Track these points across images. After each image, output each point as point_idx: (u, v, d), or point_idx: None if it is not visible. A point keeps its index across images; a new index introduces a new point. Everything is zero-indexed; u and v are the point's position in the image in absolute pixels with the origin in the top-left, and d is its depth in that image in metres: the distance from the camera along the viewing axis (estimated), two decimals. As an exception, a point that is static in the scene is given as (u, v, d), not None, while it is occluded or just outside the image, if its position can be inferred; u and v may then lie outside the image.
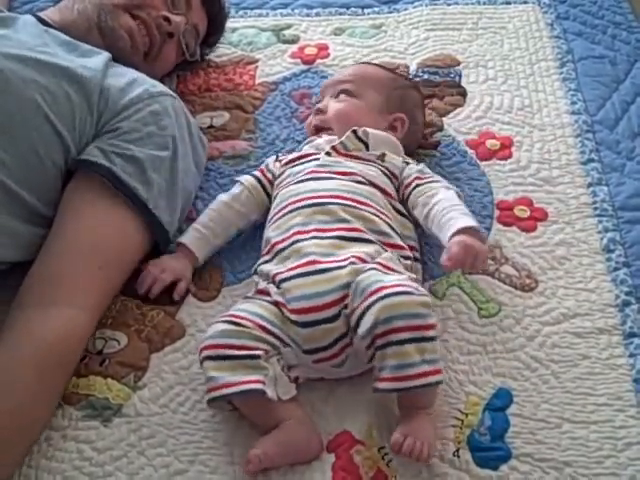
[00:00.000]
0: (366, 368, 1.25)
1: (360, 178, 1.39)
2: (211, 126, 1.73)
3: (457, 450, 1.20)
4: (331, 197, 1.35)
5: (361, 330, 1.18)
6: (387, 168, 1.44)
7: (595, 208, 1.54)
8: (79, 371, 1.28)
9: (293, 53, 1.92)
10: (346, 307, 1.22)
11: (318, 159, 1.45)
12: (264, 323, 1.24)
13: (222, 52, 1.93)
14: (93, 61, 1.46)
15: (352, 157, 1.45)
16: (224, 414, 1.25)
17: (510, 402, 1.25)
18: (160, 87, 1.50)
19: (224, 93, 1.81)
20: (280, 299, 1.26)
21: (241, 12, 2.06)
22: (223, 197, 1.49)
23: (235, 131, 1.72)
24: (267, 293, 1.28)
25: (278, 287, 1.27)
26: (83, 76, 1.40)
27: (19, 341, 1.21)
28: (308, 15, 2.04)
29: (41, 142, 1.33)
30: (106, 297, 1.34)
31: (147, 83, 1.48)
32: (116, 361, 1.30)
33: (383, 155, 1.45)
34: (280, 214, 1.37)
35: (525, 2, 2.05)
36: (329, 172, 1.41)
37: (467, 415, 1.24)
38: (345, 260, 1.26)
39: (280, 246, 1.32)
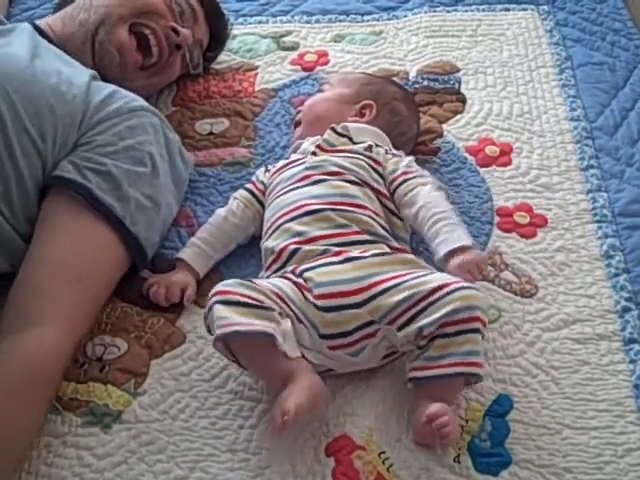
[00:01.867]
0: (377, 364, 1.26)
1: (352, 177, 1.39)
2: (211, 133, 1.74)
3: (458, 456, 1.19)
4: (326, 203, 1.35)
5: (428, 320, 1.19)
6: (374, 159, 1.44)
7: (595, 214, 1.54)
8: (79, 377, 1.28)
9: (293, 60, 1.93)
10: (374, 297, 1.23)
11: (305, 162, 1.45)
12: (282, 294, 1.24)
13: (222, 59, 1.93)
14: (79, 75, 1.45)
15: (339, 151, 1.45)
16: (224, 421, 1.25)
17: (510, 408, 1.25)
18: (140, 102, 1.49)
19: (224, 100, 1.82)
20: (303, 283, 1.26)
21: (241, 19, 2.06)
22: (221, 212, 1.48)
23: (235, 138, 1.72)
24: (287, 279, 1.28)
25: (300, 276, 1.27)
26: (68, 91, 1.39)
27: None
28: (308, 22, 2.05)
29: (21, 156, 1.32)
30: (82, 312, 1.30)
31: (127, 97, 1.47)
32: (116, 367, 1.30)
33: (370, 147, 1.46)
34: (278, 223, 1.37)
35: (524, 9, 2.06)
36: (320, 174, 1.41)
37: (468, 421, 1.23)
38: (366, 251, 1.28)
39: (291, 248, 1.32)
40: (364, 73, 1.74)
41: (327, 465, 1.19)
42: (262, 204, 1.48)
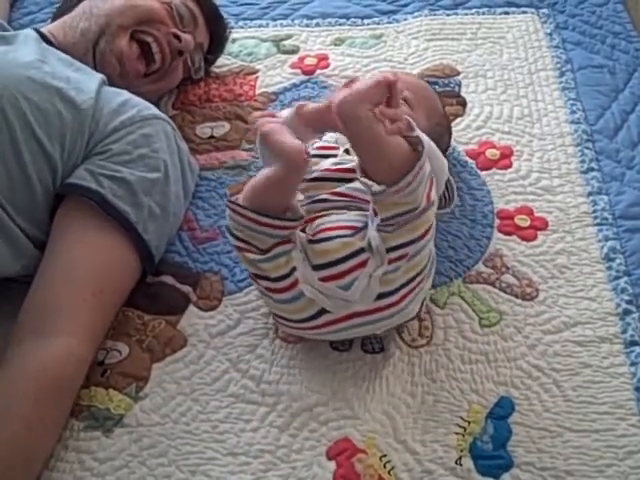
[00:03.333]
0: (372, 306, 1.23)
1: None
2: (212, 136, 1.74)
3: (459, 458, 1.20)
4: (334, 194, 1.33)
5: None
6: None
7: (595, 217, 1.54)
8: (80, 381, 1.29)
9: (293, 63, 1.93)
10: (365, 227, 1.22)
11: (336, 156, 1.42)
12: None
13: (222, 63, 1.93)
14: (88, 81, 1.46)
15: None
16: (226, 425, 1.25)
17: (512, 410, 1.25)
18: (153, 110, 1.49)
19: (224, 104, 1.82)
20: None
21: (241, 23, 2.06)
22: None
23: (235, 141, 1.72)
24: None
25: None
26: (77, 97, 1.40)
27: (16, 374, 1.20)
28: (308, 26, 2.05)
29: (29, 160, 1.33)
30: (102, 324, 1.32)
31: (140, 105, 1.47)
32: (117, 371, 1.30)
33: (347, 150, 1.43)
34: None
35: (524, 12, 2.06)
36: (340, 170, 1.37)
37: (469, 423, 1.24)
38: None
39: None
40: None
41: (328, 469, 1.19)
42: None
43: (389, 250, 1.20)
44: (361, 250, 1.22)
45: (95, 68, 1.54)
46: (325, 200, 1.32)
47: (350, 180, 1.32)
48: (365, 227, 1.24)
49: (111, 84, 1.52)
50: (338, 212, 1.29)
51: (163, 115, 1.51)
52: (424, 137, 1.19)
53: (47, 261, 1.33)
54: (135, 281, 1.40)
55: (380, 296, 1.23)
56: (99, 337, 1.31)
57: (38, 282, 1.31)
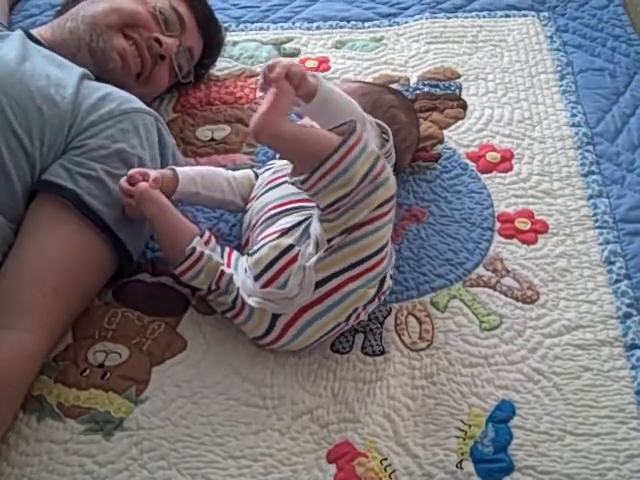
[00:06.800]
0: (315, 296, 1.26)
1: None
2: (212, 139, 1.74)
3: (460, 462, 1.19)
4: (273, 207, 1.37)
5: None
6: None
7: (596, 220, 1.54)
8: (80, 384, 1.28)
9: (294, 66, 1.93)
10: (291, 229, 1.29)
11: (273, 167, 1.48)
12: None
13: (223, 66, 1.93)
14: (69, 76, 1.45)
15: None
16: (226, 428, 1.24)
17: (513, 414, 1.25)
18: (135, 103, 1.49)
19: (225, 107, 1.82)
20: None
21: (242, 26, 2.07)
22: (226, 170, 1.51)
23: (236, 145, 1.72)
24: None
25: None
26: (57, 93, 1.39)
27: None
28: (309, 29, 2.05)
29: (7, 157, 1.33)
30: (62, 321, 1.31)
31: (120, 99, 1.47)
32: (117, 374, 1.30)
33: None
34: (250, 234, 1.40)
35: (525, 15, 2.07)
36: (282, 176, 1.41)
37: (470, 426, 1.23)
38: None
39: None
40: (360, 81, 1.73)
41: (329, 472, 1.19)
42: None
43: (331, 239, 1.24)
44: (289, 247, 1.27)
45: (95, 65, 1.55)
46: (270, 217, 1.36)
47: (285, 183, 1.37)
48: (296, 225, 1.29)
49: (109, 82, 1.52)
50: (276, 222, 1.34)
51: (146, 108, 1.50)
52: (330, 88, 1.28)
53: (14, 253, 1.33)
54: (107, 277, 1.40)
55: (319, 284, 1.26)
56: (57, 334, 1.31)
57: (2, 273, 1.31)
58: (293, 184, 1.26)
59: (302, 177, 1.21)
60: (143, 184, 1.35)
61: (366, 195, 1.23)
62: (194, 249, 1.32)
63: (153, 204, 1.35)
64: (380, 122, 1.41)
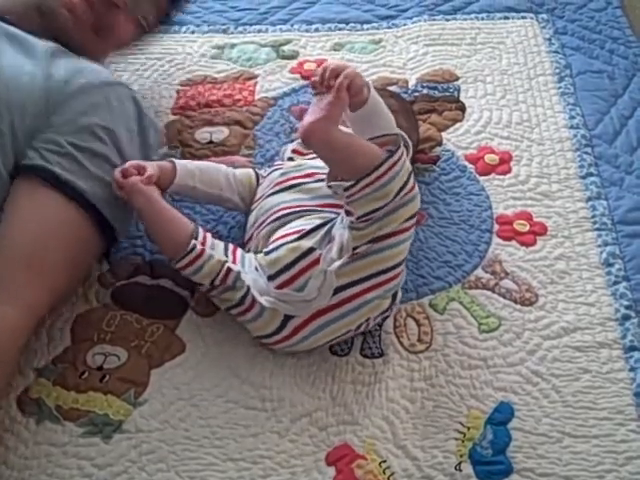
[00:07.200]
0: (333, 301, 1.26)
1: (322, 176, 1.37)
2: (210, 142, 1.74)
3: (459, 464, 1.20)
4: (295, 207, 1.36)
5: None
6: None
7: (594, 222, 1.54)
8: (79, 387, 1.28)
9: (292, 68, 1.93)
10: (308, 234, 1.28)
11: (282, 168, 1.46)
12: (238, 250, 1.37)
13: (221, 68, 1.94)
14: (37, 55, 1.43)
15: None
16: (225, 430, 1.25)
17: (511, 416, 1.25)
18: (104, 76, 1.47)
19: (223, 109, 1.82)
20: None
21: (240, 28, 2.07)
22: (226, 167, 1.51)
23: (234, 147, 1.72)
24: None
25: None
26: (27, 79, 1.38)
27: None
28: (307, 31, 2.05)
29: None
30: (45, 294, 1.31)
31: (92, 73, 1.45)
32: (116, 377, 1.30)
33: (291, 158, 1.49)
34: (255, 232, 1.39)
35: (523, 17, 2.07)
36: (294, 178, 1.42)
37: (469, 428, 1.24)
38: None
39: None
40: None
41: (328, 474, 1.19)
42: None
43: (356, 247, 1.25)
44: (309, 250, 1.26)
45: (44, 26, 1.52)
46: (279, 217, 1.36)
47: (300, 185, 1.39)
48: (316, 228, 1.29)
49: (67, 42, 1.51)
50: (289, 223, 1.34)
51: (118, 80, 1.50)
52: (376, 96, 1.29)
53: None
54: (93, 251, 1.41)
55: (338, 290, 1.26)
56: (40, 309, 1.30)
57: None
58: (330, 187, 1.26)
59: (347, 184, 1.22)
60: (134, 178, 1.36)
61: (396, 209, 1.25)
62: (195, 246, 1.32)
63: (141, 196, 1.36)
64: (404, 134, 1.39)
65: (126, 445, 1.22)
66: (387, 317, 1.36)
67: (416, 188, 1.29)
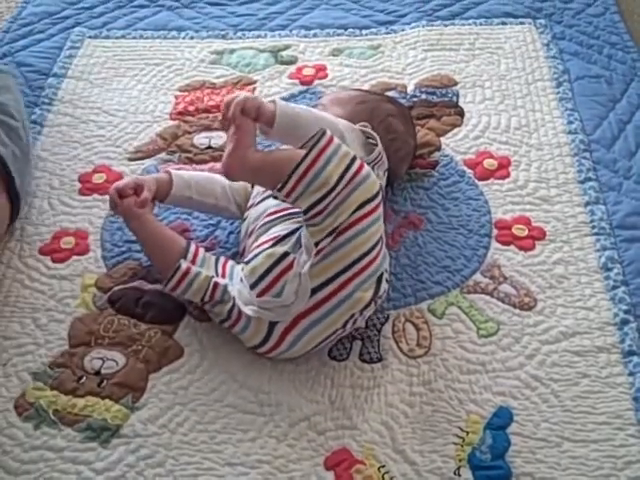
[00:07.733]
0: (310, 302, 1.26)
1: None
2: (209, 147, 1.74)
3: (458, 468, 1.19)
4: (269, 215, 1.38)
5: None
6: None
7: (593, 227, 1.54)
8: (77, 391, 1.28)
9: (291, 74, 1.93)
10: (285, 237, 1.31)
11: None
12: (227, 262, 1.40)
13: (220, 73, 1.94)
14: None
15: None
16: (223, 435, 1.24)
17: (510, 421, 1.25)
18: None
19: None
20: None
21: (239, 33, 2.07)
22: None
23: (233, 151, 1.72)
24: None
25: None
26: None
27: None
28: (306, 36, 2.05)
29: None
30: None
31: None
32: (114, 382, 1.30)
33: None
34: (248, 241, 1.40)
35: (521, 23, 2.07)
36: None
37: (468, 433, 1.23)
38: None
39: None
40: (357, 89, 1.73)
41: (326, 479, 1.18)
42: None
43: (318, 243, 1.25)
44: (284, 255, 1.28)
45: None
46: (265, 224, 1.37)
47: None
48: (290, 233, 1.31)
49: None
50: (270, 229, 1.35)
51: (6, 68, 1.64)
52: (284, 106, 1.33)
53: None
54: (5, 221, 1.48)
55: (315, 290, 1.26)
56: None
57: None
58: (275, 198, 1.29)
59: (279, 185, 1.23)
60: (127, 201, 1.40)
61: (346, 196, 1.24)
62: (179, 266, 1.33)
63: (135, 220, 1.41)
64: (365, 129, 1.43)
65: (124, 450, 1.22)
66: (375, 312, 1.36)
67: (365, 170, 1.27)
